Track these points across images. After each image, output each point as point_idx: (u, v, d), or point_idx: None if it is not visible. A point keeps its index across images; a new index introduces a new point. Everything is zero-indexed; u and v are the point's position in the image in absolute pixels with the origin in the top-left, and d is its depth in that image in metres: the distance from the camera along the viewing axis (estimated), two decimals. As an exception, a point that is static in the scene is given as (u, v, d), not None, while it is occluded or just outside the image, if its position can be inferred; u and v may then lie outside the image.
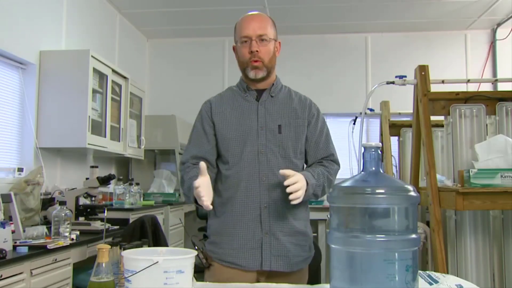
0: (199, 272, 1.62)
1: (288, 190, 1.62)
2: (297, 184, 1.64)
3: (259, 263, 1.75)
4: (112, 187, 4.16)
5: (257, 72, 1.81)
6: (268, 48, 1.80)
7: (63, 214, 2.75)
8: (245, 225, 1.77)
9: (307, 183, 1.70)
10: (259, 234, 1.76)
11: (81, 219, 3.31)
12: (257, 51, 1.78)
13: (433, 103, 2.60)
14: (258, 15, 1.85)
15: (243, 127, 1.81)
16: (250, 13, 1.88)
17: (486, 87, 5.05)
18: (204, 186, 1.61)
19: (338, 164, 1.92)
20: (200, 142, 1.85)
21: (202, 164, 1.64)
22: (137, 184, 4.48)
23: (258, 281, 1.76)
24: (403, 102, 3.78)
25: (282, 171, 1.65)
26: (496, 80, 4.06)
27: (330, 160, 1.90)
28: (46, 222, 3.10)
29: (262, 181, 1.77)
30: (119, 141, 4.25)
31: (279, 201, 1.76)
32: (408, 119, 3.47)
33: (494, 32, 5.63)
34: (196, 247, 1.81)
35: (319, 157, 1.88)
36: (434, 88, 2.66)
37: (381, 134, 3.76)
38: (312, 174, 1.76)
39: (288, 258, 1.77)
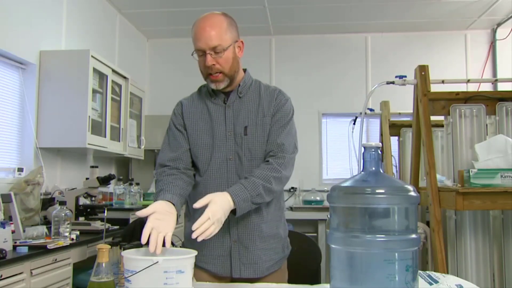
0: None
1: (193, 235, 1.43)
2: (205, 224, 1.44)
3: (228, 270, 1.72)
4: (112, 187, 4.16)
5: (217, 84, 1.71)
6: (226, 57, 1.67)
7: (63, 214, 2.75)
8: None
9: (234, 201, 1.54)
10: (227, 243, 1.71)
11: (81, 219, 3.31)
12: (213, 64, 1.66)
13: (433, 103, 2.60)
14: (210, 21, 1.67)
15: (211, 132, 1.75)
16: (203, 16, 1.71)
17: (486, 87, 5.05)
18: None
19: (290, 153, 1.73)
20: (176, 144, 1.78)
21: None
22: (137, 184, 4.48)
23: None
24: (403, 102, 3.78)
25: (195, 206, 1.49)
26: (496, 80, 4.06)
27: (278, 153, 1.70)
28: (46, 222, 3.10)
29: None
30: (119, 141, 4.25)
31: None
32: (408, 119, 3.47)
33: (494, 32, 5.63)
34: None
35: (269, 150, 1.72)
36: (434, 88, 2.66)
37: (381, 134, 3.76)
38: (244, 186, 1.59)
39: (257, 265, 1.72)
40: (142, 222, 3.39)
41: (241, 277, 1.71)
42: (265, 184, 1.62)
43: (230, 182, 1.70)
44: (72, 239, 2.75)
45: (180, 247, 1.82)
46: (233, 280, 1.73)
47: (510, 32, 5.43)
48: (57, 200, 3.28)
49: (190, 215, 1.80)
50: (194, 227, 1.43)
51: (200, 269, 1.74)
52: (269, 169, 1.66)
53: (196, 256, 1.71)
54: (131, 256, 1.21)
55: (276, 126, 1.74)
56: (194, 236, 1.43)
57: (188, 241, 1.74)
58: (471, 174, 2.31)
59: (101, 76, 3.90)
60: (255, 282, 1.69)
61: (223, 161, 1.73)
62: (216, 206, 1.49)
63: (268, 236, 1.75)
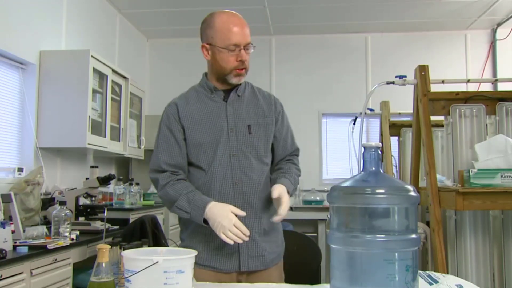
0: None
1: (277, 219, 1.70)
2: (287, 208, 1.70)
3: (236, 265, 1.74)
4: (112, 187, 4.16)
5: (240, 78, 1.77)
6: (249, 55, 1.77)
7: (63, 214, 2.75)
8: None
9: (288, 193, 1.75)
10: None
11: (81, 219, 3.31)
12: (246, 59, 1.74)
13: (433, 103, 2.60)
14: (241, 19, 1.77)
15: (213, 129, 1.76)
16: (230, 13, 1.78)
17: (486, 87, 5.05)
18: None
19: (298, 154, 1.97)
20: (170, 148, 1.77)
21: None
22: (137, 184, 4.48)
23: (238, 281, 1.75)
24: (403, 102, 3.78)
25: (275, 196, 1.68)
26: (496, 80, 4.06)
27: (295, 154, 1.92)
28: (46, 222, 3.10)
29: (236, 185, 1.74)
30: (119, 141, 4.25)
31: (254, 202, 1.75)
32: (408, 119, 3.46)
33: (494, 32, 5.63)
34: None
35: (286, 154, 1.89)
36: (434, 88, 2.66)
37: (381, 134, 3.76)
38: (290, 181, 1.79)
39: (264, 257, 1.77)
40: (142, 222, 3.40)
41: (249, 270, 1.75)
42: (297, 180, 1.86)
43: (234, 178, 1.74)
44: (72, 239, 2.75)
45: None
46: (239, 274, 1.75)
47: (510, 32, 5.43)
48: (57, 200, 3.27)
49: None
50: (282, 214, 1.68)
51: (203, 268, 1.75)
52: (298, 169, 1.89)
53: (199, 256, 1.74)
54: (131, 256, 1.20)
55: (289, 133, 1.90)
56: (277, 220, 1.69)
57: (190, 240, 1.78)
58: (471, 174, 2.31)
59: (101, 76, 3.90)
60: (259, 274, 1.75)
61: (227, 157, 1.75)
62: (287, 197, 1.72)
63: (271, 229, 1.81)
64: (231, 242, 1.60)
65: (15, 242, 2.46)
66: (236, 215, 1.63)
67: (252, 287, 1.59)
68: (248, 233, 1.61)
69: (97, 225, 3.21)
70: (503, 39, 5.53)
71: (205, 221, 1.67)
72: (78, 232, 2.89)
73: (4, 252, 2.19)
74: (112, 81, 4.07)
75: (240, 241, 1.61)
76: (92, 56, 3.63)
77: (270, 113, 1.83)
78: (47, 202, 3.31)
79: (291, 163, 1.88)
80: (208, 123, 1.77)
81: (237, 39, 1.71)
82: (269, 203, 1.79)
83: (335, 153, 5.69)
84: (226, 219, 1.60)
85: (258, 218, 1.76)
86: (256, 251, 1.75)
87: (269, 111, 1.83)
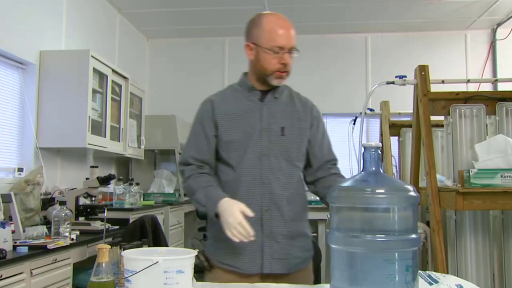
0: (199, 272, 1.61)
1: None
2: None
3: (259, 266, 1.73)
4: (112, 187, 4.16)
5: (281, 81, 1.80)
6: (292, 59, 1.79)
7: (63, 214, 2.75)
8: None
9: None
10: (259, 238, 1.72)
11: (81, 219, 3.31)
12: (289, 62, 1.76)
13: (433, 103, 2.60)
14: (288, 22, 1.79)
15: (246, 128, 1.77)
16: (277, 15, 1.80)
17: (486, 87, 5.05)
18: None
19: (337, 165, 1.94)
20: (200, 144, 1.80)
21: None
22: (137, 184, 4.48)
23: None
24: (403, 102, 3.78)
25: None
26: (496, 80, 4.06)
27: (335, 165, 1.90)
28: (46, 222, 3.10)
29: (264, 184, 1.74)
30: (119, 141, 4.25)
31: (281, 204, 1.74)
32: (408, 119, 3.46)
33: (494, 32, 5.63)
34: (197, 250, 1.80)
35: (325, 160, 1.87)
36: (434, 88, 2.66)
37: (381, 134, 3.76)
38: None
39: (288, 260, 1.75)
40: (142, 222, 3.40)
41: (271, 273, 1.73)
42: None
43: (263, 178, 1.73)
44: (72, 239, 2.75)
45: (202, 251, 1.81)
46: (262, 277, 1.74)
47: (510, 32, 5.43)
48: (57, 200, 3.28)
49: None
50: None
51: (226, 269, 1.75)
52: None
53: (222, 255, 1.75)
54: (131, 256, 1.20)
55: (324, 140, 1.89)
56: None
57: (215, 238, 1.78)
58: (471, 174, 2.31)
59: (101, 76, 3.90)
60: (283, 279, 1.71)
61: (257, 157, 1.75)
62: None
63: (298, 233, 1.79)
64: (237, 240, 1.58)
65: (15, 242, 2.46)
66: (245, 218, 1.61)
67: (251, 287, 1.59)
68: (252, 233, 1.59)
69: (97, 225, 3.20)
70: (503, 39, 5.52)
71: (217, 216, 1.66)
72: (78, 232, 2.88)
73: (4, 252, 2.19)
74: (112, 81, 4.07)
75: (245, 240, 1.58)
76: (92, 56, 3.63)
77: (305, 117, 1.83)
78: (47, 202, 3.31)
79: (341, 176, 1.86)
80: (242, 121, 1.78)
81: (282, 41, 1.73)
82: (300, 207, 1.79)
83: (335, 153, 5.68)
84: (232, 217, 1.59)
85: (284, 220, 1.75)
86: (279, 253, 1.74)
87: (304, 115, 1.84)
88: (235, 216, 1.59)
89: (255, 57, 1.79)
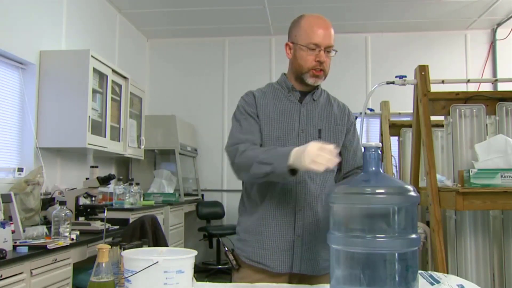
0: (227, 272, 1.60)
1: None
2: None
3: (289, 265, 1.72)
4: (112, 187, 4.16)
5: (317, 80, 1.78)
6: (330, 59, 1.78)
7: (63, 214, 2.75)
8: (278, 227, 1.74)
9: None
10: (291, 237, 1.73)
11: (81, 219, 3.31)
12: (324, 61, 1.75)
13: (433, 103, 2.60)
14: (327, 22, 1.81)
15: (284, 126, 1.77)
16: (316, 15, 1.84)
17: (486, 87, 5.05)
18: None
19: None
20: (250, 127, 1.75)
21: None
22: (137, 184, 4.48)
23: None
24: (403, 102, 3.78)
25: None
26: (496, 80, 4.06)
27: (361, 171, 1.88)
28: (46, 222, 3.10)
29: (299, 184, 1.73)
30: (119, 141, 4.25)
31: (314, 204, 1.74)
32: (408, 119, 3.47)
33: (494, 32, 5.63)
34: (226, 248, 1.80)
35: (355, 166, 1.86)
36: (434, 88, 2.66)
37: (381, 134, 3.76)
38: None
39: (317, 261, 1.74)
40: (142, 222, 3.40)
41: (300, 273, 1.73)
42: None
43: (299, 178, 1.71)
44: (72, 239, 2.74)
45: (231, 250, 1.81)
46: (290, 277, 1.73)
47: (510, 32, 5.43)
48: (57, 200, 3.28)
49: (246, 210, 1.81)
50: None
51: (254, 268, 1.74)
52: None
53: (253, 251, 1.73)
54: (131, 256, 1.20)
55: (359, 146, 1.88)
56: None
57: (246, 234, 1.77)
58: (471, 174, 2.31)
59: (101, 76, 3.90)
60: (310, 281, 1.70)
61: None
62: None
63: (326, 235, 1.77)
64: (321, 169, 1.42)
65: (15, 242, 2.46)
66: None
67: (251, 287, 1.59)
68: (333, 146, 1.44)
69: (97, 225, 3.20)
70: (503, 39, 5.53)
71: (290, 172, 1.54)
72: (78, 232, 2.88)
73: (4, 252, 2.19)
74: (112, 81, 4.08)
75: (330, 165, 1.42)
76: (92, 56, 3.63)
77: (342, 122, 1.84)
78: (47, 202, 3.31)
79: None
80: (280, 120, 1.77)
81: (318, 39, 1.74)
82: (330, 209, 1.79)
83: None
84: (308, 150, 1.44)
85: (316, 220, 1.75)
86: (309, 254, 1.73)
87: (341, 119, 1.84)
88: (312, 145, 1.45)
89: (292, 55, 1.81)
